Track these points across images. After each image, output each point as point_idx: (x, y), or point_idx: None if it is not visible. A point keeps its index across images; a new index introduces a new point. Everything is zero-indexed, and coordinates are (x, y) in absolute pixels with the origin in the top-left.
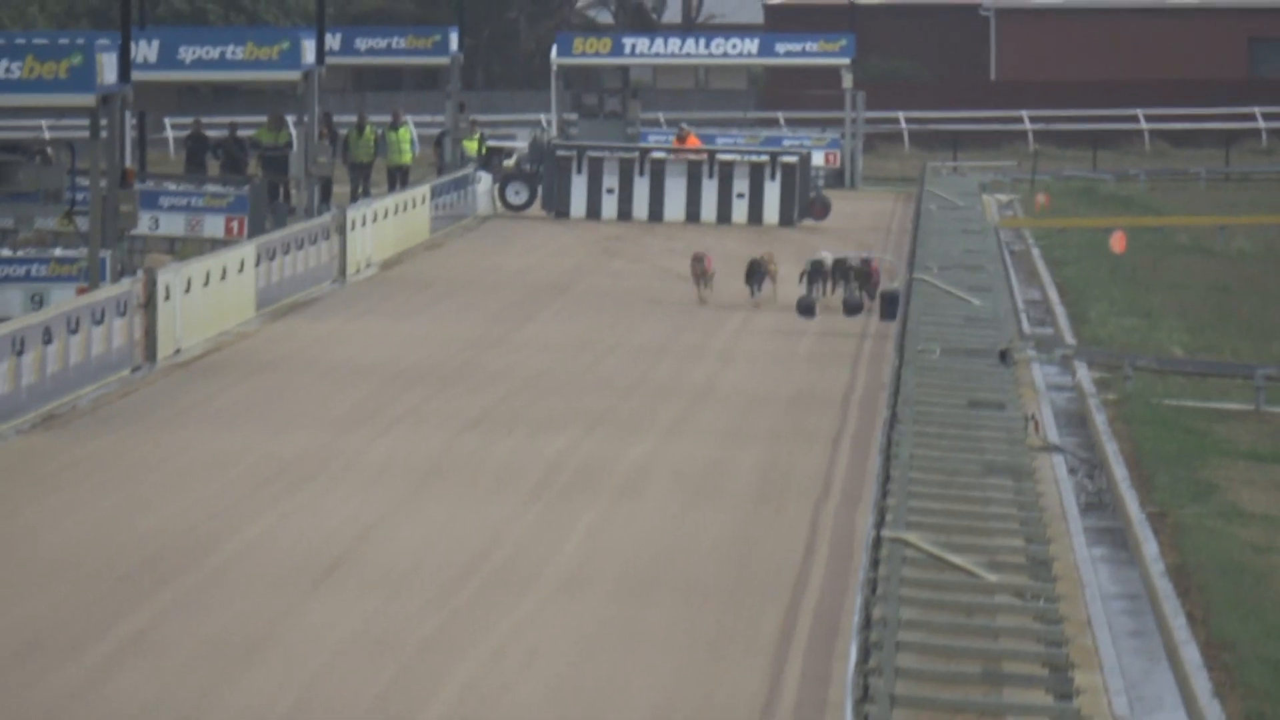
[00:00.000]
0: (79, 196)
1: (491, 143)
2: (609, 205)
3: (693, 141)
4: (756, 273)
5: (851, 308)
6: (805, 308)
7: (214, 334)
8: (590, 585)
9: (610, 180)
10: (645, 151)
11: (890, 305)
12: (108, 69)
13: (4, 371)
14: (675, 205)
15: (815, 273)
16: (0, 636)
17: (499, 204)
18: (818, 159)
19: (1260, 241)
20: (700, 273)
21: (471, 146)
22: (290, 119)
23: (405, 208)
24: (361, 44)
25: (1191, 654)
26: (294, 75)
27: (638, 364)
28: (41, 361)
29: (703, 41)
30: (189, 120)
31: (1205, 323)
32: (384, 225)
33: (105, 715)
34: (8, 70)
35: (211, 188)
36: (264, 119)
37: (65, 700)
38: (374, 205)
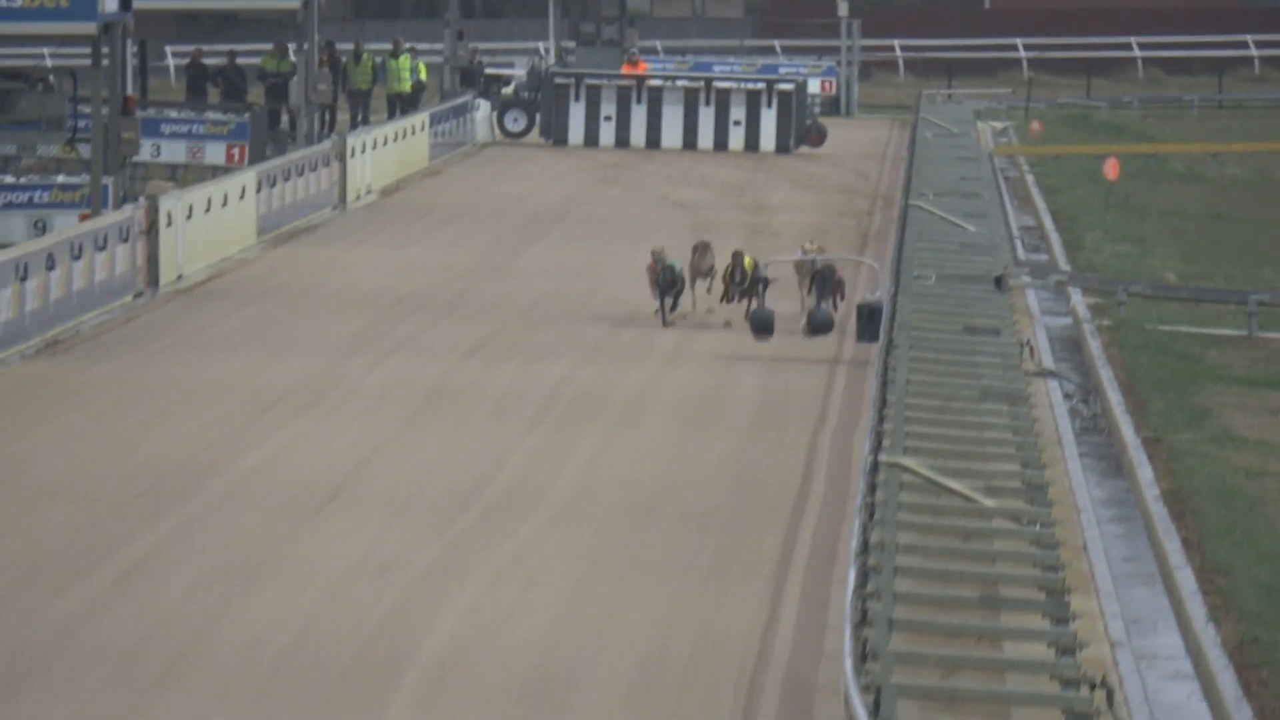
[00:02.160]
0: (81, 124)
1: (490, 70)
2: (606, 133)
3: (642, 68)
4: (680, 277)
5: (816, 326)
6: (761, 325)
7: (215, 260)
8: (589, 512)
9: (608, 108)
10: (642, 79)
11: (870, 323)
12: None
13: (8, 297)
14: (673, 133)
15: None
16: (2, 563)
17: (497, 131)
18: (814, 87)
19: (1253, 168)
20: (700, 270)
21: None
22: (291, 47)
23: (405, 135)
24: None
25: (1187, 579)
26: (294, 3)
27: (636, 291)
28: (45, 287)
29: None
30: (189, 48)
31: (1198, 249)
32: (384, 152)
33: (107, 642)
34: None
35: (212, 115)
36: (264, 47)
37: (67, 626)
38: (374, 132)
